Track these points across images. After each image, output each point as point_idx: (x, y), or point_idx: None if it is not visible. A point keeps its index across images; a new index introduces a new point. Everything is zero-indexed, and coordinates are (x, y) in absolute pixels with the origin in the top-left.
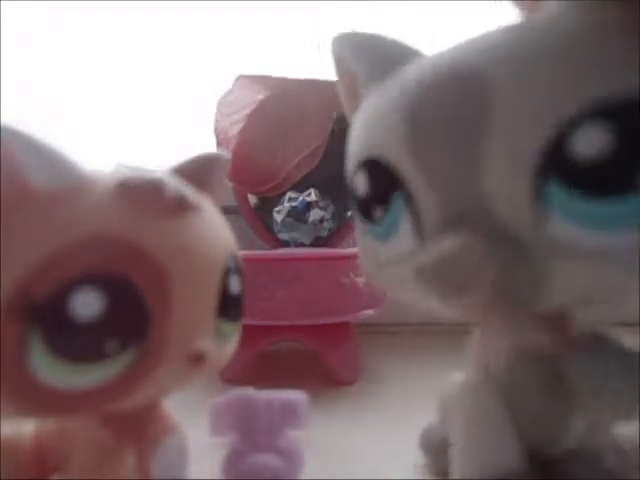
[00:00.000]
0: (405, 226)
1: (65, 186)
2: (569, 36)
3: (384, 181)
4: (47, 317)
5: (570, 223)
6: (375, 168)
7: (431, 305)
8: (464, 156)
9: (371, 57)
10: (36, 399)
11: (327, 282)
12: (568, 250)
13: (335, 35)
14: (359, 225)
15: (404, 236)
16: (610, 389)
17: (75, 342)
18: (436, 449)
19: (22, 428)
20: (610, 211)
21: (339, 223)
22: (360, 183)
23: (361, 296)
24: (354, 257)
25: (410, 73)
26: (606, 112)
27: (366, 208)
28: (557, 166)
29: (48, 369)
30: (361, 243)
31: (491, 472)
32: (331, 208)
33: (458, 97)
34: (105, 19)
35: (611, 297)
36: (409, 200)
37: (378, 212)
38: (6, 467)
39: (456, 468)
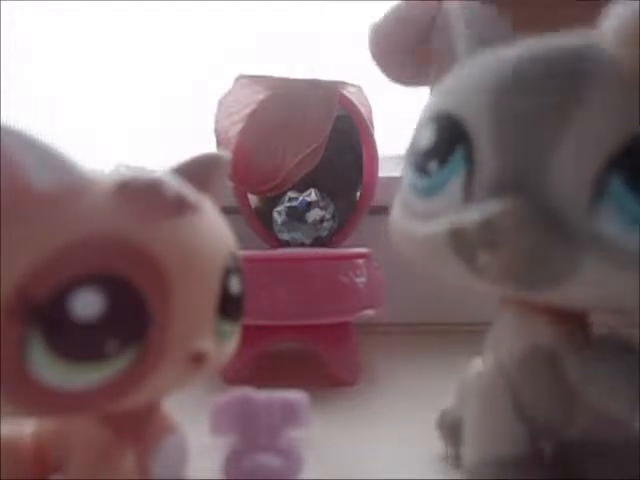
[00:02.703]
0: (455, 184)
1: (65, 186)
2: None
3: (451, 136)
4: (47, 317)
5: (621, 221)
6: (447, 122)
7: (447, 274)
8: (542, 135)
9: (477, 29)
10: (36, 399)
11: (327, 282)
12: (609, 247)
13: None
14: (405, 177)
15: (451, 194)
16: (612, 390)
17: (75, 342)
18: (450, 428)
19: (22, 428)
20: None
21: (339, 223)
22: (427, 134)
23: (361, 296)
24: (354, 257)
25: (510, 52)
26: None
27: (423, 159)
28: (625, 163)
29: (48, 369)
30: (399, 196)
31: (494, 457)
32: (331, 208)
33: (553, 83)
34: (105, 19)
35: (628, 305)
36: (470, 159)
37: (433, 165)
38: (6, 467)
39: (466, 451)
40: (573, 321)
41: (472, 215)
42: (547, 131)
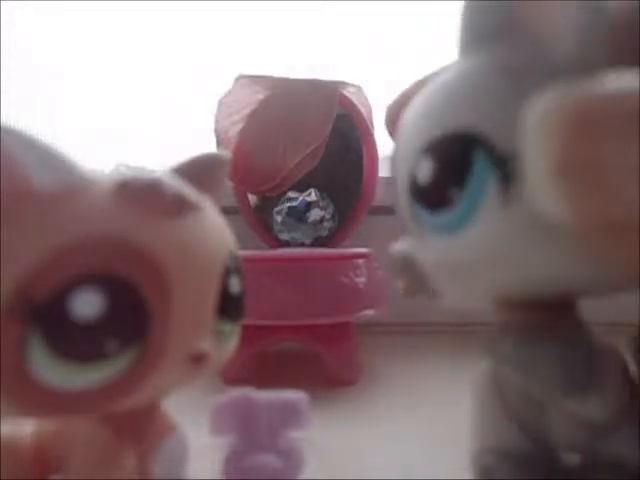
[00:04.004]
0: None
1: (65, 186)
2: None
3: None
4: (47, 317)
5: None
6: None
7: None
8: None
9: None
10: (36, 399)
11: (327, 282)
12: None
13: None
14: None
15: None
16: (530, 371)
17: (75, 342)
18: None
19: (22, 428)
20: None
21: (339, 223)
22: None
23: (361, 296)
24: (354, 257)
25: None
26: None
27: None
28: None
29: (48, 369)
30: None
31: (490, 447)
32: (331, 208)
33: None
34: (105, 19)
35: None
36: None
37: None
38: (6, 467)
39: (470, 441)
40: (533, 315)
41: None
42: None
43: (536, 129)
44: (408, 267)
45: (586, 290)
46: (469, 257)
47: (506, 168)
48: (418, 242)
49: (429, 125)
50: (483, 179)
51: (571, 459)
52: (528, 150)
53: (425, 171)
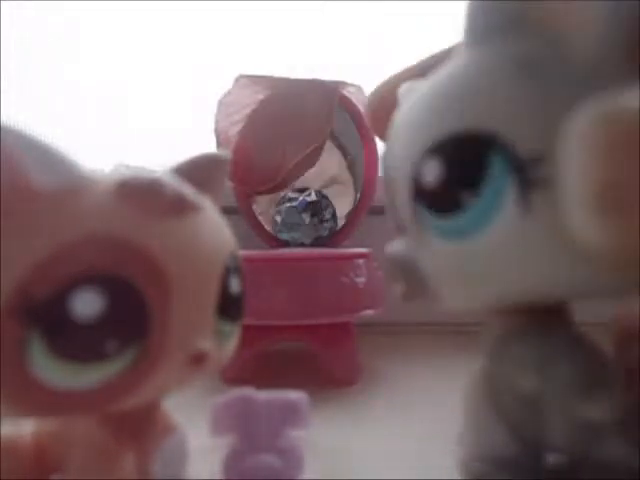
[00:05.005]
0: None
1: (65, 186)
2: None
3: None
4: (47, 317)
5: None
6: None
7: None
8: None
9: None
10: (36, 399)
11: (327, 282)
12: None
13: None
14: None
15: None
16: (520, 366)
17: (75, 342)
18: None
19: (22, 428)
20: (451, 225)
21: (339, 223)
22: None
23: (361, 296)
24: (354, 257)
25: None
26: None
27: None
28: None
29: (48, 369)
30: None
31: (482, 456)
32: (331, 208)
33: None
34: (105, 18)
35: None
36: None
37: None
38: (6, 467)
39: (461, 448)
40: (529, 315)
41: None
42: None
43: (580, 147)
44: (407, 270)
45: (594, 296)
46: (479, 263)
47: (526, 173)
48: (419, 245)
49: (437, 122)
50: (500, 184)
51: (559, 462)
52: (567, 170)
53: (433, 172)
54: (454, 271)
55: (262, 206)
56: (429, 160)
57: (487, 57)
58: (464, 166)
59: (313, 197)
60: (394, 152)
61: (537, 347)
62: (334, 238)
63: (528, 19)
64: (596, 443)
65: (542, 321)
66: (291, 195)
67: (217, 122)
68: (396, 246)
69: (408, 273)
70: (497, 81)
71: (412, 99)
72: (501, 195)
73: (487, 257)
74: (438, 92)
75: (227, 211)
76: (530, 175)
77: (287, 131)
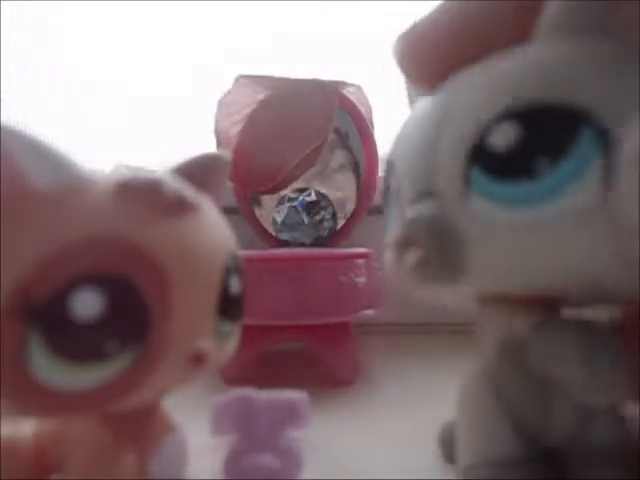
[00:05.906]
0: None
1: (65, 186)
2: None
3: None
4: (47, 317)
5: (489, 203)
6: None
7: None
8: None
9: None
10: (36, 399)
11: (327, 282)
12: (485, 231)
13: None
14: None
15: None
16: (560, 355)
17: (75, 342)
18: (447, 440)
19: (22, 428)
20: (516, 191)
21: (339, 223)
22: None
23: (361, 296)
24: (354, 257)
25: None
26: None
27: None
28: (480, 156)
29: (48, 369)
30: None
31: (485, 460)
32: (331, 208)
33: None
34: (105, 18)
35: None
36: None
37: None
38: (6, 467)
39: (459, 456)
40: (542, 310)
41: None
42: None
43: None
44: (434, 233)
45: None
46: (533, 234)
47: (617, 155)
48: (462, 209)
49: (516, 89)
50: (587, 159)
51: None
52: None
53: (506, 136)
54: (503, 239)
55: (268, 209)
56: (502, 124)
57: (573, 45)
58: (548, 135)
59: (313, 197)
60: (447, 109)
61: (578, 334)
62: (334, 238)
63: (609, 25)
64: (595, 425)
65: (549, 312)
66: (291, 195)
67: (217, 122)
68: (422, 209)
69: (434, 236)
70: (593, 60)
71: (481, 65)
72: (585, 170)
73: (544, 229)
74: (517, 64)
75: (227, 211)
76: (615, 158)
77: (287, 131)
